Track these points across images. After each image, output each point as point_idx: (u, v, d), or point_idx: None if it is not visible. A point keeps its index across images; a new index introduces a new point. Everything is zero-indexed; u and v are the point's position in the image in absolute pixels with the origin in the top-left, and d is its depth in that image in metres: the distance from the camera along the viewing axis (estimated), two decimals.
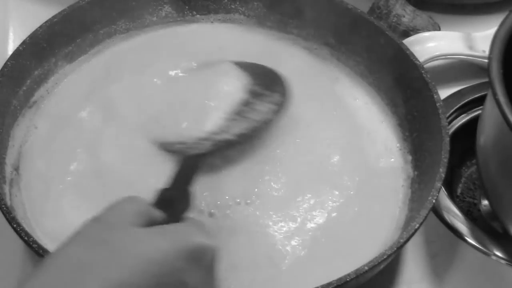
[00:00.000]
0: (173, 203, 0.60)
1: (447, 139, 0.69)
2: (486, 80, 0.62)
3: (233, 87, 0.73)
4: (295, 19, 0.81)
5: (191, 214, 0.63)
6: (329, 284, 0.60)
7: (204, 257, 0.56)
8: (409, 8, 0.88)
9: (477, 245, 0.72)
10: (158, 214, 0.57)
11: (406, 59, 0.75)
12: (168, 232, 0.55)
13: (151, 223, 0.56)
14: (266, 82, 0.75)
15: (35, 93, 0.75)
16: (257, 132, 0.72)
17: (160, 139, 0.72)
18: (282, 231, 0.68)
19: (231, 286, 0.65)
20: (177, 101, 0.74)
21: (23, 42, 0.73)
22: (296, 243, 0.68)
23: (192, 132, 0.71)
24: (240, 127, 0.71)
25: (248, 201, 0.69)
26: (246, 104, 0.72)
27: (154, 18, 0.81)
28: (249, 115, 0.72)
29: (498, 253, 0.72)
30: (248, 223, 0.68)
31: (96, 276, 0.50)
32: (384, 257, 0.62)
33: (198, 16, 0.82)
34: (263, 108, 0.73)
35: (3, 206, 0.63)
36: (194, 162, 0.67)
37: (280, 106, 0.73)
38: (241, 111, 0.72)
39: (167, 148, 0.71)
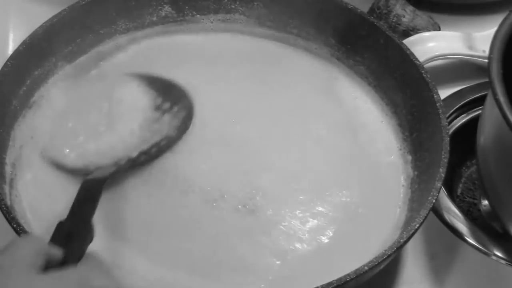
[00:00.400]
0: (72, 237, 0.56)
1: (447, 139, 0.69)
2: (486, 80, 0.62)
3: (135, 102, 0.72)
4: (295, 19, 0.81)
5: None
6: (329, 284, 0.60)
7: None
8: (409, 8, 0.88)
9: (477, 245, 0.72)
10: (57, 252, 0.54)
11: (406, 59, 0.75)
12: (66, 278, 0.52)
13: (50, 263, 0.53)
14: (168, 96, 0.73)
15: (35, 93, 0.74)
16: (160, 151, 0.70)
17: (56, 160, 0.70)
18: (281, 232, 0.68)
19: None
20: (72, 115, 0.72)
21: (23, 42, 0.73)
22: (296, 243, 0.68)
23: (92, 152, 0.69)
24: (142, 145, 0.69)
25: (254, 199, 0.70)
26: (148, 119, 0.71)
27: (154, 18, 0.81)
28: (152, 131, 0.70)
29: (498, 253, 0.72)
30: (252, 224, 0.69)
31: None
32: (384, 257, 0.62)
33: (198, 16, 0.82)
34: (166, 124, 0.71)
35: (3, 206, 0.63)
36: (94, 188, 0.62)
37: (185, 122, 0.72)
38: (144, 126, 0.70)
39: (65, 169, 0.69)
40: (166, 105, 0.72)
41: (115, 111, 0.71)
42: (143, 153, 0.69)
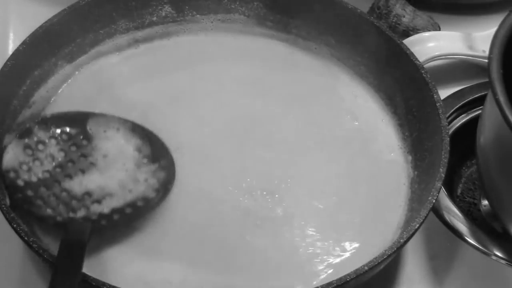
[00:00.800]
0: None
1: (447, 139, 0.69)
2: (486, 80, 0.62)
3: (111, 150, 0.67)
4: (295, 19, 0.81)
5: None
6: (329, 284, 0.60)
7: None
8: (409, 8, 0.88)
9: (477, 245, 0.72)
10: None
11: (406, 59, 0.75)
12: None
13: None
14: (148, 150, 0.68)
15: (35, 93, 0.74)
16: (137, 214, 0.66)
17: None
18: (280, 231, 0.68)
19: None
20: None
21: (23, 42, 0.73)
22: (297, 242, 0.68)
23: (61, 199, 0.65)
24: (114, 201, 0.64)
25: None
26: (131, 171, 0.66)
27: (154, 18, 0.81)
28: (125, 188, 0.65)
29: (498, 253, 0.72)
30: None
31: None
32: (384, 257, 0.62)
33: (198, 16, 0.82)
34: (141, 183, 0.66)
35: (3, 206, 0.63)
36: (74, 256, 0.58)
37: (164, 185, 0.67)
38: (117, 180, 0.65)
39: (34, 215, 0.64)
40: (144, 160, 0.67)
41: (89, 156, 0.67)
42: (116, 211, 0.65)
